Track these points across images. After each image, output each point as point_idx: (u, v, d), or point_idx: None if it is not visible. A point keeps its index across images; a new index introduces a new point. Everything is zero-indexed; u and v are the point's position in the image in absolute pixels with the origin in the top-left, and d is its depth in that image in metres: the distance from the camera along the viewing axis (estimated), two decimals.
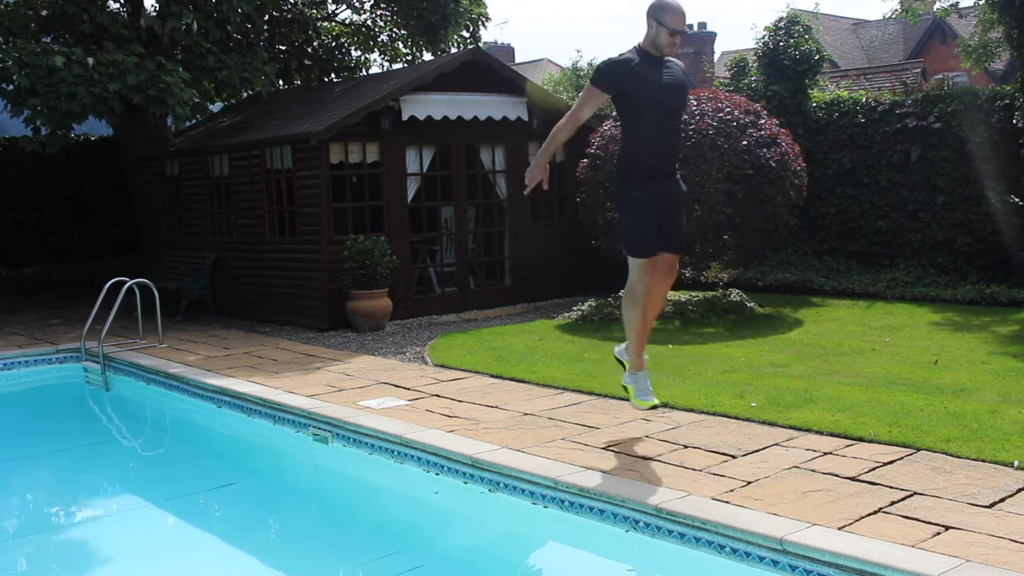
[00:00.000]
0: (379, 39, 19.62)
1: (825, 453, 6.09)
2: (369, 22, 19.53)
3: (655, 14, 6.02)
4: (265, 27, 17.77)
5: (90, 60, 13.10)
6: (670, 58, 6.23)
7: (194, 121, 16.21)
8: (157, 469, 8.31)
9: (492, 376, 9.00)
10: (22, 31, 14.62)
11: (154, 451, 9.22)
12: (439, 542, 6.22)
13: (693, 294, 12.90)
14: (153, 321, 11.63)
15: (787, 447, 6.26)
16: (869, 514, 4.97)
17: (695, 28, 34.58)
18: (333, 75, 19.20)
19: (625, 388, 6.65)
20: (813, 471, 5.73)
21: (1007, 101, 12.92)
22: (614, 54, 6.22)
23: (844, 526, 4.81)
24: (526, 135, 13.94)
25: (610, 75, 6.10)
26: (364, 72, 19.63)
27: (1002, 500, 5.10)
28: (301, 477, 7.88)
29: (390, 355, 10.41)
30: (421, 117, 12.65)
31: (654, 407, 6.46)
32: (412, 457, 6.78)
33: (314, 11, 18.86)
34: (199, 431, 9.34)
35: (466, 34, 18.60)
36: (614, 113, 13.13)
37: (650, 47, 6.09)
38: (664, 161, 6.24)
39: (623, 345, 6.68)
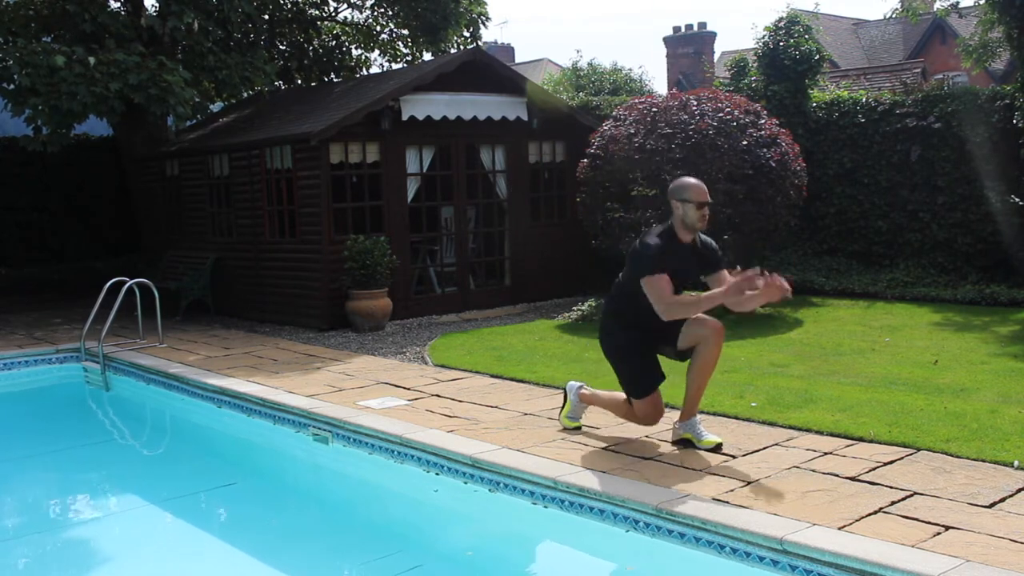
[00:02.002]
0: (379, 38, 19.63)
1: (825, 453, 6.09)
2: (370, 21, 19.53)
3: (677, 195, 6.07)
4: (265, 26, 17.78)
5: (91, 59, 13.10)
6: (704, 238, 6.27)
7: (195, 120, 16.21)
8: (157, 469, 8.30)
9: (492, 376, 9.00)
10: (23, 30, 14.62)
11: (154, 451, 9.22)
12: (439, 542, 6.22)
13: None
14: (153, 321, 11.63)
15: (787, 447, 6.26)
16: (869, 514, 4.97)
17: (695, 28, 34.64)
18: (333, 75, 19.21)
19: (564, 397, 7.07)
20: (813, 471, 5.73)
21: (1007, 101, 12.92)
22: (649, 240, 6.15)
23: (844, 526, 4.81)
24: (526, 135, 13.94)
25: (655, 258, 6.01)
26: (364, 72, 19.64)
27: (1002, 500, 5.10)
28: (301, 477, 7.87)
29: (390, 355, 10.41)
30: (421, 117, 12.65)
31: (573, 429, 6.90)
32: (412, 457, 6.79)
33: (314, 10, 18.86)
34: (199, 431, 9.34)
35: (466, 34, 18.61)
36: (614, 113, 13.16)
37: (680, 227, 6.13)
38: (666, 327, 6.24)
39: (578, 384, 7.02)
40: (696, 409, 6.38)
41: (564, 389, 7.11)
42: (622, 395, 6.64)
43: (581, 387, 6.97)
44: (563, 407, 7.03)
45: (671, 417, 6.65)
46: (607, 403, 6.79)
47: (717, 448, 6.23)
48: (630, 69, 29.28)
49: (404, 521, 6.64)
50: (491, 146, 13.80)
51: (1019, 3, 11.96)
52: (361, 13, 19.51)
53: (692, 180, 6.14)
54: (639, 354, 6.40)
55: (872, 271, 13.87)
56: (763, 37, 15.26)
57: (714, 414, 7.17)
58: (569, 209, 14.35)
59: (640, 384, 6.39)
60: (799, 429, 6.67)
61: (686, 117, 12.02)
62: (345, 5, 19.30)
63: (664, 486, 5.52)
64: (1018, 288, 12.20)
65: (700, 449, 6.27)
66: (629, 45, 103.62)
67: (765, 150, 11.98)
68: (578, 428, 6.93)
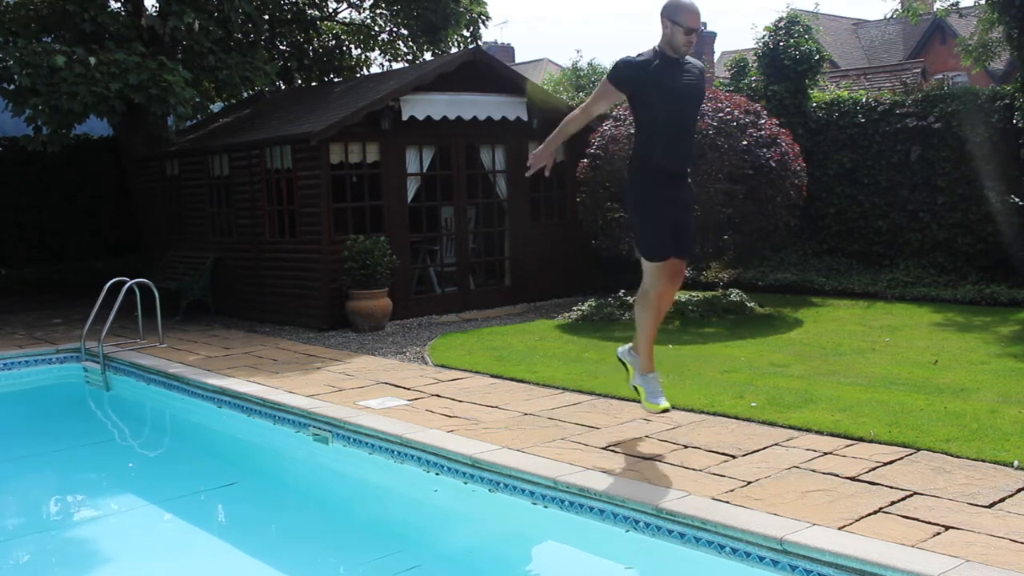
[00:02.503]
0: (379, 38, 19.63)
1: (825, 453, 6.09)
2: (369, 21, 19.53)
3: (669, 14, 5.96)
4: (265, 26, 17.78)
5: (91, 59, 13.11)
6: (689, 59, 6.19)
7: (195, 120, 16.22)
8: (157, 469, 8.31)
9: (492, 376, 9.00)
10: (23, 31, 14.63)
11: (154, 451, 9.22)
12: (439, 542, 6.22)
13: (693, 294, 12.91)
14: (153, 321, 11.62)
15: (787, 447, 6.26)
16: (869, 514, 4.97)
17: None
18: (333, 75, 19.20)
19: (636, 389, 6.64)
20: (813, 471, 5.73)
21: (1007, 101, 12.92)
22: (632, 54, 6.18)
23: (844, 526, 4.81)
24: (526, 135, 13.93)
25: (627, 74, 6.05)
26: (364, 72, 19.64)
27: (1002, 500, 5.10)
28: (301, 477, 7.87)
29: (390, 355, 10.41)
30: (421, 117, 12.65)
31: (665, 411, 6.41)
32: (412, 457, 6.79)
33: (314, 10, 18.86)
34: (199, 431, 9.34)
35: (466, 33, 18.60)
36: (614, 113, 13.16)
37: (667, 48, 6.03)
38: (678, 164, 6.23)
39: (627, 346, 6.67)
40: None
41: (619, 358, 6.72)
42: (640, 303, 6.37)
43: (626, 348, 6.65)
44: (639, 393, 6.56)
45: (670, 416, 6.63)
46: (648, 326, 6.37)
47: (665, 412, 6.46)
48: None
49: (404, 521, 6.64)
50: (491, 146, 13.80)
51: (1019, 3, 11.96)
52: (361, 13, 19.52)
53: (686, 2, 5.95)
54: (661, 210, 6.21)
55: (872, 271, 13.87)
56: (763, 37, 15.27)
57: (714, 414, 7.17)
58: (569, 209, 14.35)
59: (659, 244, 6.20)
60: (799, 429, 6.67)
61: None
62: (345, 5, 19.30)
63: (664, 486, 5.52)
64: (1018, 288, 12.20)
65: (649, 411, 6.50)
66: (629, 45, 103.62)
67: (765, 150, 11.98)
68: (666, 410, 6.40)
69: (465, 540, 6.23)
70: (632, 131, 12.08)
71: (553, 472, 5.86)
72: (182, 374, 9.66)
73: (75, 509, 7.45)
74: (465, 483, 6.35)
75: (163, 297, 11.96)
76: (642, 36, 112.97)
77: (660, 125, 6.09)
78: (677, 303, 12.36)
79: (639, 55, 6.10)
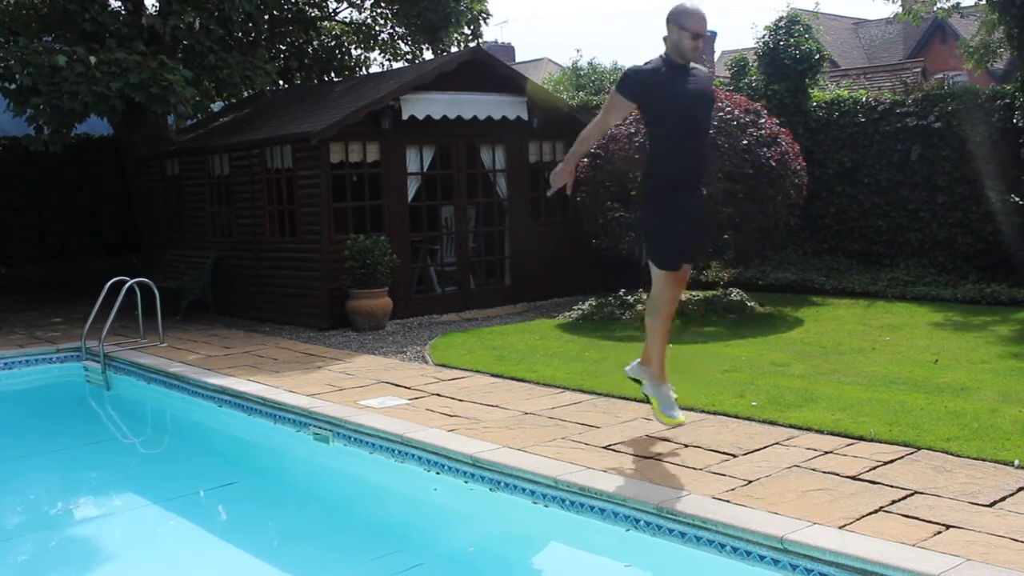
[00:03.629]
0: (379, 38, 19.63)
1: (826, 452, 6.09)
2: (369, 21, 19.53)
3: (676, 20, 5.91)
4: (266, 26, 17.78)
5: (92, 59, 13.11)
6: (695, 65, 6.15)
7: (195, 119, 16.21)
8: (158, 468, 8.31)
9: (492, 375, 9.00)
10: (23, 30, 14.63)
11: (155, 450, 9.23)
12: (440, 541, 6.22)
13: (693, 293, 12.90)
14: (154, 320, 11.63)
15: (787, 446, 6.26)
16: (869, 513, 4.97)
17: None
18: (333, 74, 19.21)
19: (647, 399, 6.57)
20: (814, 470, 5.74)
21: (1007, 100, 12.92)
22: (638, 62, 6.17)
23: (845, 525, 4.81)
24: (526, 134, 13.94)
25: (635, 83, 6.01)
26: (364, 71, 19.64)
27: (1002, 499, 5.10)
28: (302, 476, 7.87)
29: (390, 354, 10.41)
30: (421, 116, 12.65)
31: (680, 424, 6.33)
32: (413, 456, 6.79)
33: (315, 10, 18.86)
34: (200, 430, 9.34)
35: (467, 32, 18.60)
36: None
37: (674, 54, 5.98)
38: (691, 171, 6.21)
39: (635, 363, 6.62)
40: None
41: (633, 378, 6.64)
42: (652, 321, 6.33)
43: (634, 364, 6.63)
44: (652, 404, 6.48)
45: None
46: (660, 334, 6.31)
47: (678, 426, 6.40)
48: None
49: (404, 520, 6.65)
50: (491, 145, 13.80)
51: (1019, 3, 11.96)
52: (361, 13, 19.52)
53: (693, 7, 5.91)
54: (675, 219, 6.21)
55: (872, 270, 13.87)
56: (763, 36, 15.27)
57: (715, 413, 7.17)
58: (570, 209, 14.34)
59: (673, 252, 6.21)
60: (799, 428, 6.67)
61: None
62: (345, 5, 19.30)
63: (665, 485, 5.52)
64: (1018, 287, 12.19)
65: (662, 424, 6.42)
66: (629, 44, 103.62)
67: (765, 149, 11.97)
68: (680, 424, 6.34)
69: (466, 539, 6.23)
70: (632, 130, 12.14)
71: (554, 471, 5.86)
72: (182, 373, 9.66)
73: (76, 509, 7.45)
74: (466, 482, 6.35)
75: (163, 296, 11.96)
76: (642, 35, 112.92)
77: (672, 133, 6.06)
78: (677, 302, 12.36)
79: (646, 63, 6.06)
